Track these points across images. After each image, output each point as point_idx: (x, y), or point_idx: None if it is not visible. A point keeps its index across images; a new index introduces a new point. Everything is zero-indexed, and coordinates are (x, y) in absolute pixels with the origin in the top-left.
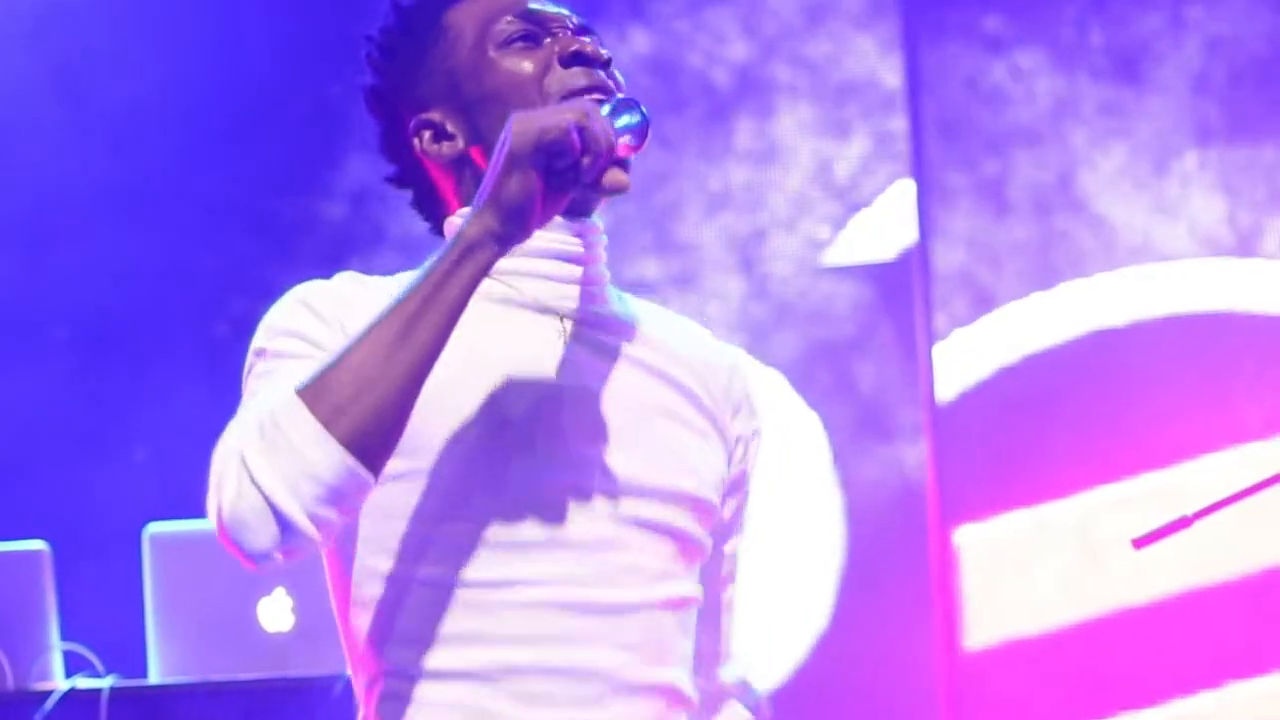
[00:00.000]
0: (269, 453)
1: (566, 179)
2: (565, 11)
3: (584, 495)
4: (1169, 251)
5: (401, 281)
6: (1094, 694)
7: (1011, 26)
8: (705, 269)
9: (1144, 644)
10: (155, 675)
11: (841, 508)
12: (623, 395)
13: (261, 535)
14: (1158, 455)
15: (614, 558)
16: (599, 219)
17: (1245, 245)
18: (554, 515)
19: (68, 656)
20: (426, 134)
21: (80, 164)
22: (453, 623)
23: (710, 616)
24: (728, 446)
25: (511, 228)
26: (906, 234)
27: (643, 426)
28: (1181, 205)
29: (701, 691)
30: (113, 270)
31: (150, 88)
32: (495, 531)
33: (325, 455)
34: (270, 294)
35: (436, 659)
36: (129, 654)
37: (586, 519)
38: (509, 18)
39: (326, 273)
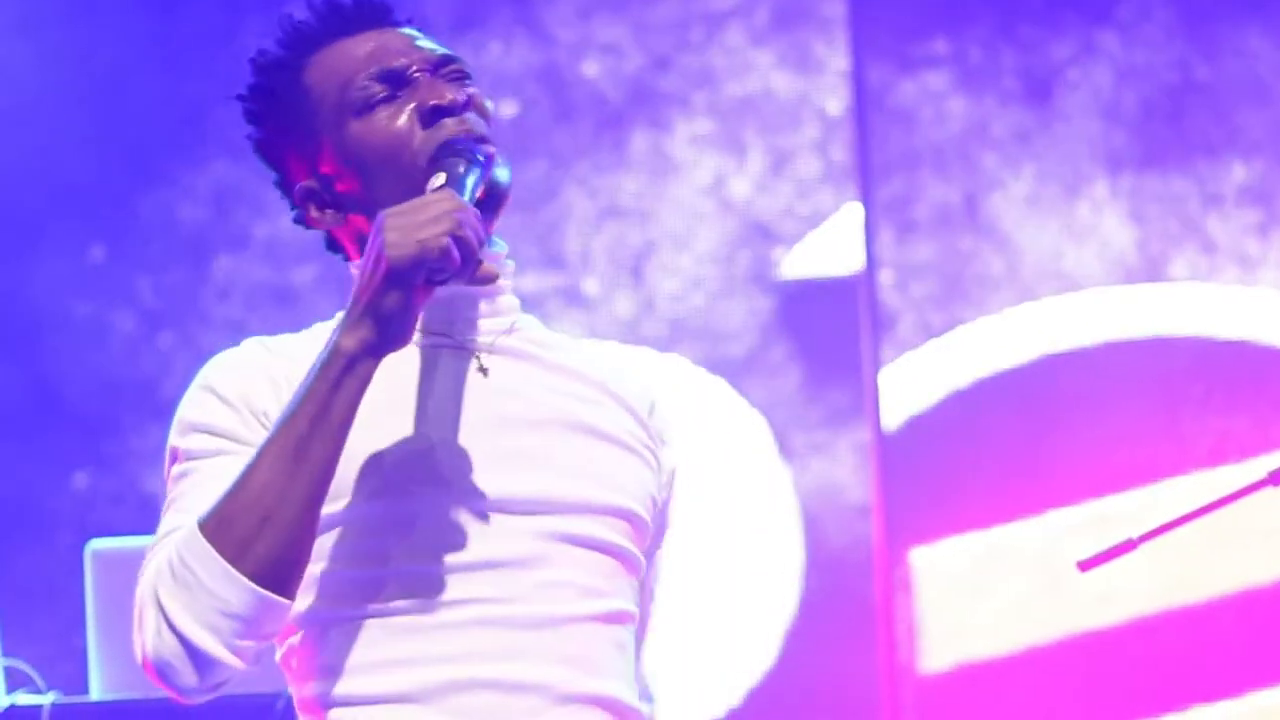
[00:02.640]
0: (181, 593)
1: (443, 283)
2: (418, 42)
3: (503, 517)
4: (1079, 277)
5: (315, 338)
6: (1050, 718)
7: (922, 46)
8: (592, 284)
9: (1096, 668)
10: (96, 692)
11: (798, 531)
12: (541, 419)
13: (185, 675)
14: (1112, 480)
15: (541, 574)
16: (502, 244)
17: (1155, 274)
18: (475, 540)
19: (8, 672)
20: (310, 205)
21: None
22: (386, 650)
23: None
24: (656, 467)
25: (390, 339)
26: (849, 258)
27: (563, 447)
28: (1091, 231)
29: None
30: None
31: (10, 82)
32: (420, 562)
33: (236, 592)
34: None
35: (373, 686)
36: (70, 670)
37: (509, 539)
38: (364, 79)
39: (188, 277)
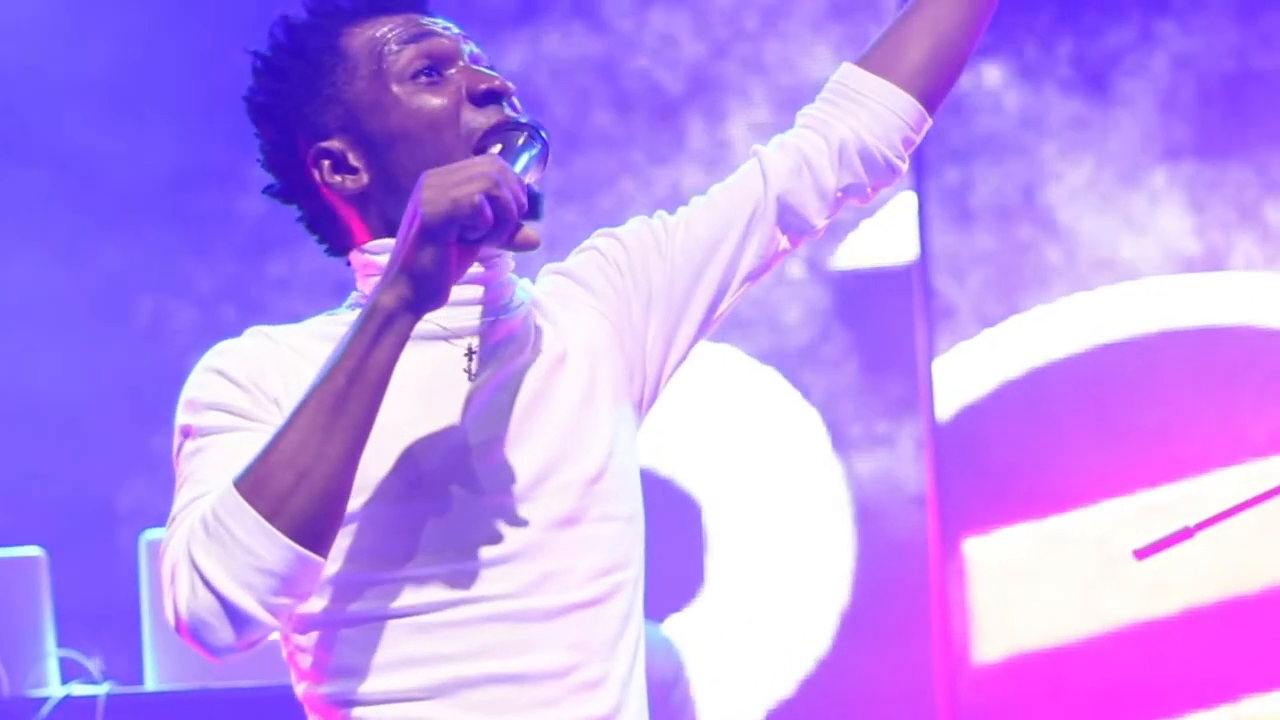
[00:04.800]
0: (217, 550)
1: (478, 243)
2: (455, 31)
3: (502, 512)
4: (1137, 267)
5: (314, 329)
6: (1102, 708)
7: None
8: None
9: (1150, 658)
10: (151, 682)
11: (848, 520)
12: (525, 402)
13: (221, 633)
14: (1167, 469)
15: (542, 564)
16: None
17: (1213, 262)
18: (474, 538)
19: (64, 663)
20: (326, 164)
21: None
22: (396, 649)
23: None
24: (619, 344)
25: (426, 296)
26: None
27: (545, 426)
28: (1150, 221)
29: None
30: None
31: (65, 72)
32: (425, 564)
33: (272, 548)
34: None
35: (384, 684)
36: (125, 661)
37: (506, 534)
38: (409, 50)
39: (246, 268)
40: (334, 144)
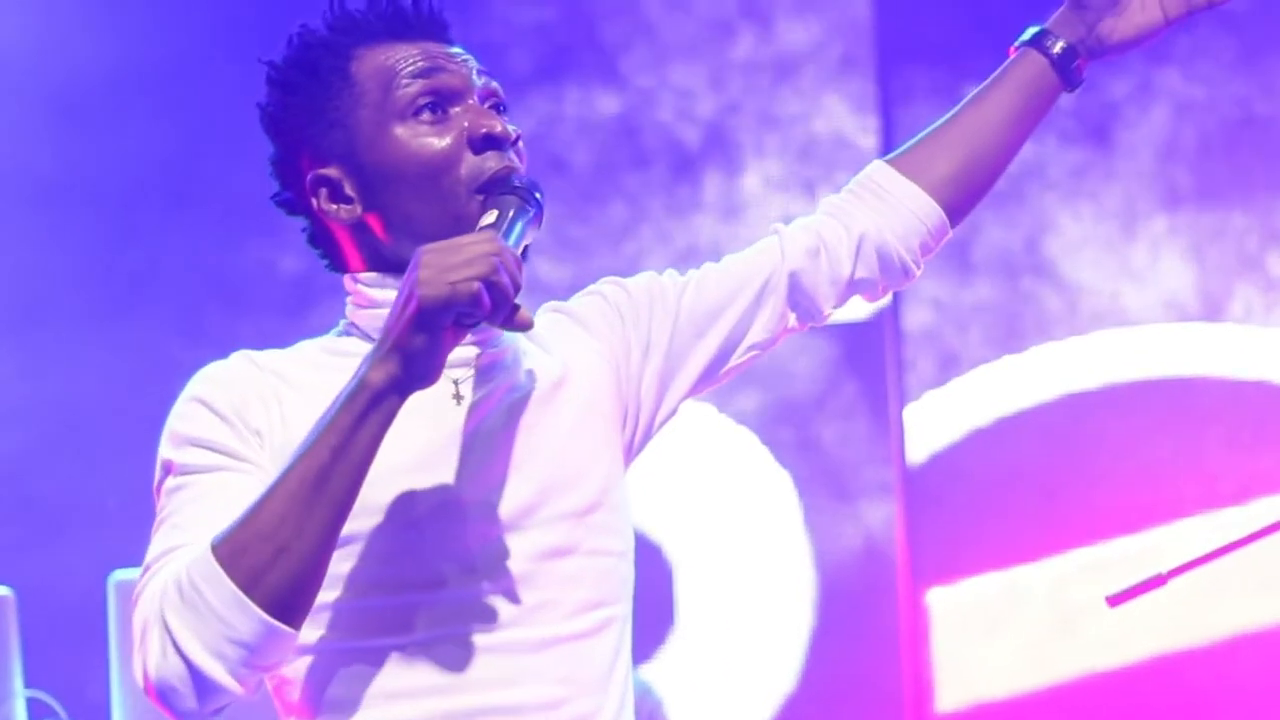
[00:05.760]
0: (190, 617)
1: (473, 326)
2: (469, 65)
3: (492, 542)
4: (1137, 316)
5: (300, 355)
6: None
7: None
8: None
9: (1114, 709)
10: None
11: (812, 568)
12: (516, 432)
13: (188, 699)
14: (1131, 520)
15: (532, 595)
16: None
17: (1213, 311)
18: (465, 569)
19: (31, 704)
20: (323, 191)
21: (33, 201)
22: (384, 681)
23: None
24: (616, 387)
25: (417, 377)
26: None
27: (536, 457)
28: (1149, 270)
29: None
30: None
31: (107, 131)
32: (410, 593)
33: (246, 620)
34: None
35: (372, 716)
36: (93, 702)
37: (498, 563)
38: (415, 81)
39: (287, 324)
40: (332, 171)
